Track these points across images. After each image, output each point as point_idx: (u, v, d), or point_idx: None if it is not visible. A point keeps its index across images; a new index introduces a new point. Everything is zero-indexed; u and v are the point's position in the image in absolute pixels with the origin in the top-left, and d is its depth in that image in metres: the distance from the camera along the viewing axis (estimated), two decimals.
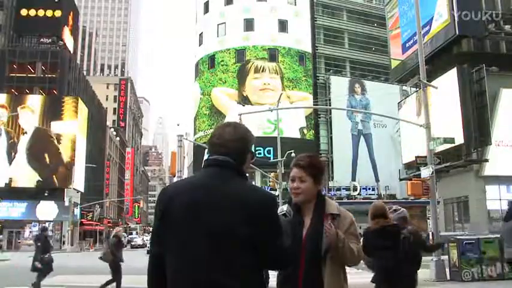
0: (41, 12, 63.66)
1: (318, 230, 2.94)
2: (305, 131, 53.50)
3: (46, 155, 55.20)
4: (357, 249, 2.96)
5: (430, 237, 18.82)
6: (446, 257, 14.79)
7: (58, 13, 64.26)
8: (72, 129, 57.34)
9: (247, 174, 2.45)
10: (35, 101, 57.49)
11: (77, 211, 59.75)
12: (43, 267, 13.08)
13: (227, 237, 2.15)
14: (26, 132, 55.61)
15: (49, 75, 61.65)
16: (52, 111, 56.82)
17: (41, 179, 54.36)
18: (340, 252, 2.90)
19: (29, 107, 56.40)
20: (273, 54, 54.36)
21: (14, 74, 61.36)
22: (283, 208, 2.85)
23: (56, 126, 56.41)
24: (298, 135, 51.71)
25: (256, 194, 2.28)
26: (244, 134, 2.43)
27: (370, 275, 5.96)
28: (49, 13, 63.94)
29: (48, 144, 55.52)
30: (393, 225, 5.69)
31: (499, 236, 13.88)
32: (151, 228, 2.85)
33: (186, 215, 2.21)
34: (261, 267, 2.29)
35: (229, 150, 2.35)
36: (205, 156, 2.54)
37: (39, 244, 13.57)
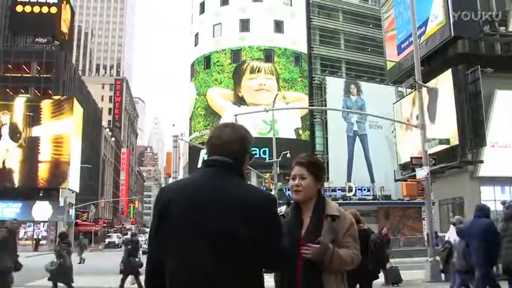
0: (36, 9, 63.49)
1: (316, 230, 2.94)
2: (300, 131, 53.53)
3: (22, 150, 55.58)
4: (350, 256, 2.90)
5: (426, 238, 18.83)
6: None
7: (54, 10, 64.11)
8: (60, 129, 57.09)
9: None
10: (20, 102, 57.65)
11: (72, 211, 59.57)
12: (127, 269, 13.50)
13: (226, 237, 2.15)
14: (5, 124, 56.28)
15: (44, 75, 61.47)
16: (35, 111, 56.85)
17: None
18: (327, 265, 2.85)
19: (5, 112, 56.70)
20: (268, 55, 54.35)
21: (8, 74, 61.16)
22: (281, 209, 2.84)
23: (42, 126, 56.49)
24: (293, 136, 51.74)
25: (256, 194, 2.28)
26: (243, 134, 2.43)
27: None
28: (45, 9, 63.79)
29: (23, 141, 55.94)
30: (363, 230, 7.21)
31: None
32: (146, 229, 2.84)
33: (185, 215, 2.20)
34: (260, 267, 2.28)
35: (228, 151, 2.34)
36: (203, 157, 2.54)
37: (129, 247, 14.08)
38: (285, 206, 3.01)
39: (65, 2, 68.56)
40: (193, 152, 51.95)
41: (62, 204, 52.16)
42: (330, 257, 2.82)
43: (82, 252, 33.30)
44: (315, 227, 2.95)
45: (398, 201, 43.44)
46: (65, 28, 68.32)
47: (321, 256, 2.81)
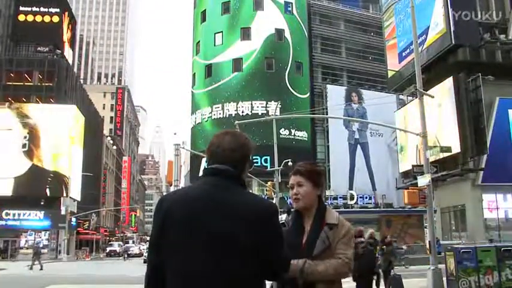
0: (38, 18, 63.74)
1: (315, 238, 2.95)
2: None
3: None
4: (332, 268, 2.87)
5: (428, 246, 18.78)
6: (444, 265, 14.79)
7: (56, 19, 64.35)
8: (61, 137, 56.98)
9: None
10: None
11: (73, 220, 59.43)
12: None
13: (228, 246, 2.13)
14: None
15: (46, 84, 61.62)
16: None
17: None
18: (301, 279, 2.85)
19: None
20: (270, 63, 54.49)
21: (10, 83, 61.33)
22: (282, 217, 2.84)
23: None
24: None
25: (257, 203, 2.27)
26: (243, 142, 2.41)
27: None
28: (47, 18, 64.03)
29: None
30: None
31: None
32: (148, 237, 2.83)
33: (186, 224, 2.19)
34: (261, 277, 2.27)
35: (229, 159, 2.33)
36: (204, 165, 2.54)
37: None
38: (285, 215, 3.01)
39: (66, 11, 68.77)
40: (195, 160, 52.00)
41: (63, 212, 52.07)
42: (301, 272, 2.82)
43: (38, 259, 33.56)
44: (314, 235, 2.96)
45: (400, 209, 43.28)
46: (66, 37, 68.57)
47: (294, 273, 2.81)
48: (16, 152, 55.15)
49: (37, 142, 56.51)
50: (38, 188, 54.22)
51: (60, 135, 56.28)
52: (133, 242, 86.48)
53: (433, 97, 20.83)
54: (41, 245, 45.06)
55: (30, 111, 57.20)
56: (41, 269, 31.45)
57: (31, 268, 31.64)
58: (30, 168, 55.38)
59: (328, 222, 3.00)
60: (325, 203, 3.21)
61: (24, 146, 56.00)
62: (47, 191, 54.76)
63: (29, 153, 55.91)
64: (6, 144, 54.11)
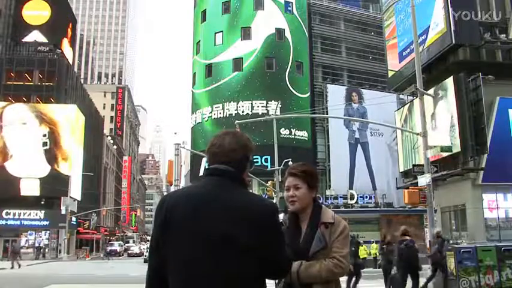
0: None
1: (312, 239, 2.96)
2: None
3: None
4: (325, 270, 2.88)
5: (428, 245, 18.78)
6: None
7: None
8: (62, 136, 56.97)
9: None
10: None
11: (74, 219, 59.42)
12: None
13: (228, 246, 2.14)
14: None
15: (46, 84, 61.59)
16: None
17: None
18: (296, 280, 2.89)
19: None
20: (270, 63, 54.43)
21: (11, 82, 61.31)
22: (279, 217, 2.85)
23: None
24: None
25: (258, 203, 2.28)
26: (244, 142, 2.43)
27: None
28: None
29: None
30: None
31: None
32: (148, 237, 2.83)
33: (187, 224, 2.20)
34: (262, 277, 2.28)
35: (229, 159, 2.34)
36: (204, 165, 2.54)
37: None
38: (283, 214, 3.02)
39: (67, 14, 67.84)
40: (195, 160, 51.97)
41: (63, 212, 52.05)
42: (297, 275, 2.85)
43: (15, 259, 33.75)
44: (311, 235, 2.98)
45: (400, 208, 43.30)
46: (67, 39, 68.58)
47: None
48: (39, 152, 55.24)
49: (57, 142, 56.65)
50: (62, 190, 53.89)
51: (66, 134, 56.47)
52: (133, 242, 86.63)
53: (433, 97, 20.85)
54: (20, 245, 45.25)
55: (49, 110, 57.47)
56: (12, 267, 31.83)
57: (18, 267, 31.91)
58: (51, 170, 55.40)
59: (324, 222, 3.02)
60: (325, 203, 3.23)
61: (44, 144, 56.02)
62: (48, 190, 54.64)
63: (50, 153, 55.99)
64: (31, 144, 54.28)
